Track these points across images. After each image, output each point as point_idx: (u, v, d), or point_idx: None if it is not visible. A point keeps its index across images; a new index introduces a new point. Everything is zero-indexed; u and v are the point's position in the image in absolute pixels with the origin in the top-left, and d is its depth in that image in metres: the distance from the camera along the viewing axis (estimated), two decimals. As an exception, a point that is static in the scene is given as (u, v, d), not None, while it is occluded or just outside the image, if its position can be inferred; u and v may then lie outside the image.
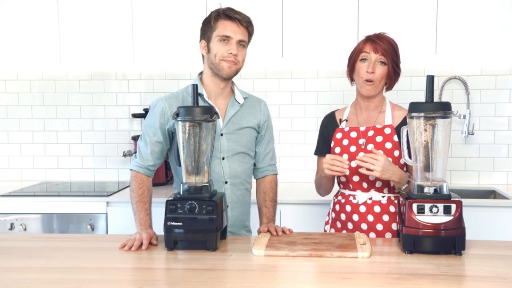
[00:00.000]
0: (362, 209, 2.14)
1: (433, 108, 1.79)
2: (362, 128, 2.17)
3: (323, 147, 2.27)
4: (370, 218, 2.12)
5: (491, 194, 3.29)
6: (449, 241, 1.74)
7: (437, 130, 1.81)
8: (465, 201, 1.85)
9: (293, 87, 3.54)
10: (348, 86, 3.47)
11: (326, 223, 2.32)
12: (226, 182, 2.14)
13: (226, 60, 2.05)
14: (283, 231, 2.03)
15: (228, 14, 2.04)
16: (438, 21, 3.05)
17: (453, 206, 1.75)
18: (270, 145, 2.28)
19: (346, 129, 2.20)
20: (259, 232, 2.11)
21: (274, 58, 3.19)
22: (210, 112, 1.87)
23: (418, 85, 3.39)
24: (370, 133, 2.14)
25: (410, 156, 1.92)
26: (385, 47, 2.09)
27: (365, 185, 2.14)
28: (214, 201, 1.83)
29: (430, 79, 1.82)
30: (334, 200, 2.28)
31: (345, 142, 2.17)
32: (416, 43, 3.07)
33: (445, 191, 1.79)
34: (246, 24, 2.07)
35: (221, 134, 2.12)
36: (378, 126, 2.15)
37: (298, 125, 3.56)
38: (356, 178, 2.15)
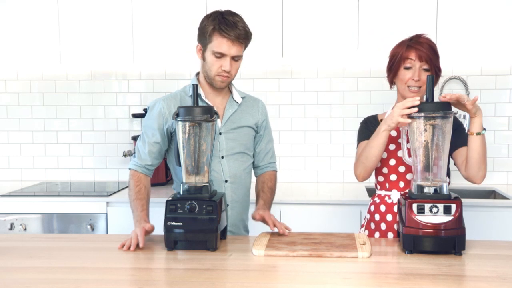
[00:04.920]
0: (396, 209, 2.12)
1: (433, 108, 1.80)
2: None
3: (371, 135, 2.11)
4: None
5: (491, 194, 3.29)
6: (449, 241, 1.74)
7: (437, 130, 1.81)
8: (465, 201, 1.85)
9: (293, 87, 3.54)
10: (348, 86, 3.51)
11: (362, 225, 2.29)
12: (226, 181, 2.14)
13: (220, 75, 2.06)
14: (281, 230, 1.98)
15: (225, 31, 1.99)
16: (438, 21, 3.05)
17: (453, 206, 1.75)
18: (270, 145, 2.29)
19: None
20: (253, 217, 2.07)
21: (274, 58, 3.19)
22: (210, 112, 1.87)
23: (418, 85, 3.39)
24: None
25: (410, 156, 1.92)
26: (429, 54, 2.06)
27: (401, 184, 2.12)
28: (214, 201, 1.83)
29: (430, 79, 1.82)
30: (370, 201, 2.26)
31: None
32: (416, 43, 3.07)
33: (445, 191, 1.79)
34: (243, 41, 2.03)
35: (220, 133, 2.13)
36: None
37: (298, 125, 3.56)
38: (393, 177, 2.13)
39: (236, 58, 2.05)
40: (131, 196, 2.06)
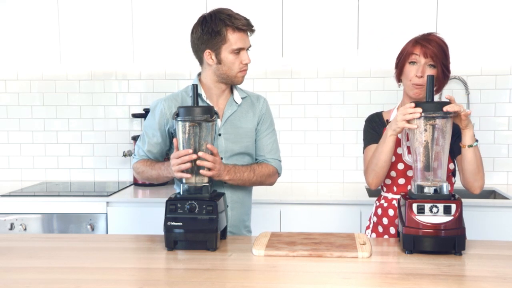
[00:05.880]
0: None
1: (433, 108, 1.79)
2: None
3: (377, 138, 2.12)
4: None
5: (491, 194, 3.29)
6: (449, 241, 1.74)
7: (437, 130, 1.81)
8: (465, 201, 1.85)
9: (293, 87, 3.54)
10: (348, 86, 3.51)
11: (367, 227, 2.26)
12: (225, 182, 2.13)
13: (242, 71, 2.09)
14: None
15: (237, 26, 2.04)
16: (438, 21, 3.05)
17: (453, 206, 1.75)
18: (270, 139, 2.23)
19: None
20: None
21: (274, 58, 3.19)
22: (210, 112, 1.87)
23: (418, 85, 3.39)
24: None
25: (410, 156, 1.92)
26: (435, 51, 2.03)
27: (409, 188, 2.11)
28: (214, 201, 1.83)
29: (430, 79, 1.82)
30: (376, 204, 2.23)
31: None
32: (416, 43, 3.07)
33: (445, 191, 1.79)
34: (252, 28, 2.10)
35: (219, 135, 2.12)
36: None
37: (298, 125, 3.56)
38: (401, 181, 2.12)
39: (249, 48, 2.12)
40: (147, 171, 2.11)
